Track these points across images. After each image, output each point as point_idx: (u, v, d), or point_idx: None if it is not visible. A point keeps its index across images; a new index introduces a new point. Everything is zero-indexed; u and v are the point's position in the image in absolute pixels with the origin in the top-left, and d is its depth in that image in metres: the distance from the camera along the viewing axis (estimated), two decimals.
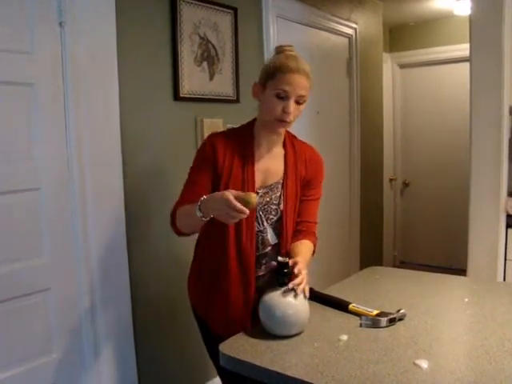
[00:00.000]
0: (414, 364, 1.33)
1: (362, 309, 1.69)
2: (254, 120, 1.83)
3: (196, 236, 1.89)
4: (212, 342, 1.79)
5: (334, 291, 1.93)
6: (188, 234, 1.76)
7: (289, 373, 1.32)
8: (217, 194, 1.52)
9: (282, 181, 1.80)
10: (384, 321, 1.59)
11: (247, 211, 1.43)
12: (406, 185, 5.78)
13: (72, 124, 2.14)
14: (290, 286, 1.55)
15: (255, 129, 1.80)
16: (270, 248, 1.81)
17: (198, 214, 1.53)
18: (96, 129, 2.21)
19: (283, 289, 1.56)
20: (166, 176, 2.53)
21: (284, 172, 1.81)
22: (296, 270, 1.58)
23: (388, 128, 5.36)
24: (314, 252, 1.87)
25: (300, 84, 1.66)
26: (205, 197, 1.54)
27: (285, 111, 1.67)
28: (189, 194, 1.71)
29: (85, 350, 2.27)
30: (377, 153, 4.72)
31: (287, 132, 1.84)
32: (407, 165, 5.71)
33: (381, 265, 5.03)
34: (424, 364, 1.33)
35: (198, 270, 1.89)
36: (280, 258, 1.58)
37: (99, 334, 2.29)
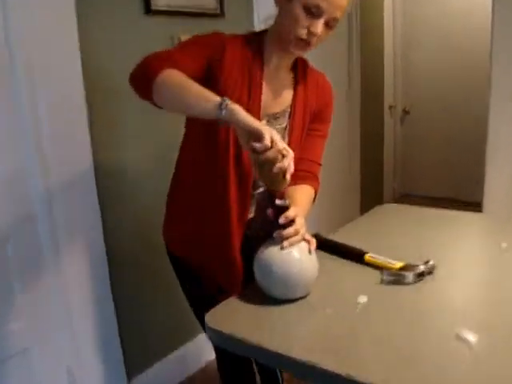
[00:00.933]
0: (458, 337, 1.02)
1: (381, 260, 1.36)
2: (263, 32, 1.44)
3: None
4: (196, 290, 1.55)
5: (342, 236, 1.60)
6: (159, 107, 1.29)
7: (294, 354, 1.01)
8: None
9: (289, 110, 1.45)
10: (410, 276, 1.27)
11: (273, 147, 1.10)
12: (406, 112, 5.41)
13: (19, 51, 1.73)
14: (275, 235, 1.23)
15: (265, 42, 1.42)
16: (261, 190, 1.47)
17: (218, 113, 1.12)
18: (51, 53, 1.80)
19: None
20: (136, 103, 2.13)
21: (292, 100, 1.45)
22: (292, 214, 1.23)
23: (388, 50, 4.92)
24: (314, 199, 1.54)
25: (338, 3, 1.28)
26: (231, 103, 1.13)
27: (311, 31, 1.28)
28: (185, 55, 1.30)
29: (54, 307, 1.97)
30: (377, 77, 4.34)
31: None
32: (407, 91, 5.32)
33: (381, 198, 4.76)
34: (471, 337, 1.01)
35: (181, 199, 1.54)
36: (279, 202, 1.23)
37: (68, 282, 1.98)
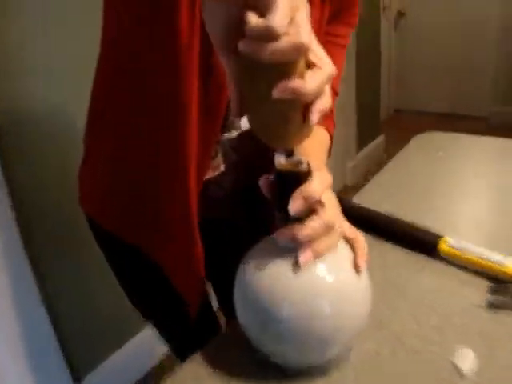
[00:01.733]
0: None
1: (476, 254, 0.72)
2: None
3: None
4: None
5: (381, 199, 0.96)
6: None
7: None
8: None
9: None
10: None
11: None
12: (401, 14, 4.73)
13: None
14: (277, 236, 0.55)
15: None
16: (234, 134, 0.78)
17: None
18: None
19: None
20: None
21: None
22: (316, 189, 0.53)
23: None
24: (330, 148, 0.89)
25: None
26: None
27: None
28: None
29: None
30: None
31: None
32: None
33: (377, 112, 4.11)
34: None
35: (104, 137, 0.83)
36: (281, 160, 0.55)
37: None
